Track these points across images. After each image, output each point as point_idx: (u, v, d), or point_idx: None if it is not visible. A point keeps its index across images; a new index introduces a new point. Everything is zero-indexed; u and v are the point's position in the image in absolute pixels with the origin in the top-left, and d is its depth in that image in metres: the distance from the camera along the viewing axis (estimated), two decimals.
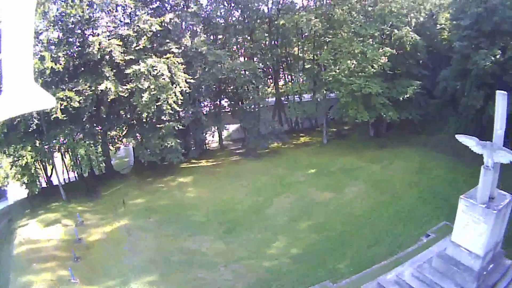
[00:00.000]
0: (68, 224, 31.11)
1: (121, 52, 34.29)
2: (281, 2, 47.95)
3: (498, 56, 32.50)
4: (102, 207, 34.68)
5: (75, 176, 41.78)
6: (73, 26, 34.15)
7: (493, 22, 32.70)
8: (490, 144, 15.02)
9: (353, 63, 40.55)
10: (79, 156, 36.53)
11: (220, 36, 46.51)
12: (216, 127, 46.70)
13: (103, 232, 30.20)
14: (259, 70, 45.86)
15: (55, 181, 38.69)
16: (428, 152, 39.60)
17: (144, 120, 36.72)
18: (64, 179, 40.66)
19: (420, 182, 34.46)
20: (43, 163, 38.43)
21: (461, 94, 36.85)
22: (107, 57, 33.95)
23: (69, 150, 37.47)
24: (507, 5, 32.76)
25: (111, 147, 42.57)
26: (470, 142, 15.76)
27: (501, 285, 16.68)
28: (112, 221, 31.85)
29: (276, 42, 49.78)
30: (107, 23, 37.28)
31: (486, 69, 32.67)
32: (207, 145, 49.94)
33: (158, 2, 40.80)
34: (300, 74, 51.47)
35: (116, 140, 41.87)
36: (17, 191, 37.49)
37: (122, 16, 38.62)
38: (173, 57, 36.09)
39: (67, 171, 41.55)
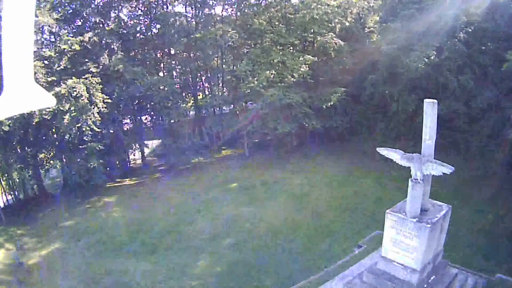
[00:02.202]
0: (10, 248, 30.43)
1: (44, 74, 33.22)
2: (199, 15, 46.73)
3: (432, 58, 31.33)
4: (37, 230, 33.50)
5: (12, 199, 40.76)
6: None
7: (428, 22, 31.54)
8: (417, 156, 13.63)
9: (272, 73, 39.10)
10: (13, 179, 37.32)
11: (140, 51, 45.29)
12: (137, 145, 45.69)
13: (40, 256, 29.30)
14: (177, 85, 44.98)
15: None
16: (356, 159, 38.46)
17: (68, 141, 35.60)
18: (3, 202, 39.88)
19: (347, 191, 33.31)
20: None
21: (390, 98, 35.49)
22: None
23: (4, 174, 37.34)
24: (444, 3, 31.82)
25: (41, 170, 41.59)
26: (394, 155, 14.38)
27: None
28: (47, 244, 30.88)
29: (194, 55, 48.02)
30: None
31: (418, 71, 31.30)
32: (130, 163, 48.86)
33: (81, 20, 39.77)
34: (219, 87, 49.72)
35: (45, 163, 40.55)
36: None
37: (49, 36, 37.86)
38: (91, 77, 34.95)
39: (6, 195, 40.62)
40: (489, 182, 29.54)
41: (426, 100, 13.81)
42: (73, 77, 34.17)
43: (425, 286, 14.60)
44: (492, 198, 28.11)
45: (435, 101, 13.66)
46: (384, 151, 14.75)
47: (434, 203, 15.00)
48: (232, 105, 47.28)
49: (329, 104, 38.72)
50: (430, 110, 13.56)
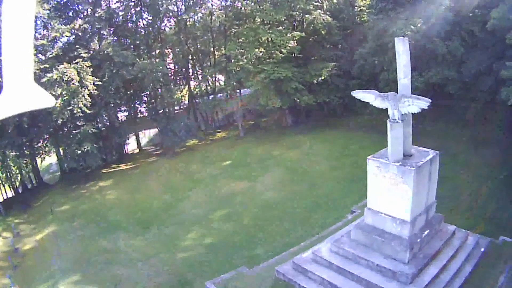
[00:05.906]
0: (7, 237, 30.59)
1: (36, 62, 32.55)
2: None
3: (419, 25, 29.86)
4: (34, 217, 33.53)
5: (12, 193, 40.44)
6: None
7: None
8: (393, 94, 12.58)
9: (260, 51, 38.20)
10: (11, 173, 37.66)
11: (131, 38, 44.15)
12: (133, 132, 45.53)
13: (35, 240, 29.43)
14: (170, 69, 44.87)
15: None
16: (351, 134, 37.19)
17: (61, 126, 35.67)
18: (2, 196, 39.71)
19: (342, 164, 32.13)
20: None
21: (380, 69, 34.01)
22: None
23: (2, 166, 36.78)
24: None
25: (38, 160, 40.95)
26: (368, 96, 13.27)
27: (446, 254, 13.81)
28: (42, 229, 30.83)
29: (185, 40, 46.40)
30: None
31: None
32: (126, 150, 48.01)
33: (71, 12, 39.19)
34: (212, 69, 47.55)
35: (41, 152, 39.72)
36: None
37: (42, 29, 37.34)
38: (82, 61, 34.21)
39: (5, 190, 40.28)
40: (488, 147, 28.25)
41: (396, 38, 13.07)
42: (65, 63, 33.51)
43: (419, 241, 13.23)
44: (492, 162, 26.72)
45: (406, 38, 13.05)
46: (359, 94, 13.64)
47: (419, 149, 13.78)
48: (223, 94, 46.84)
49: (320, 79, 37.41)
50: (401, 47, 12.79)
